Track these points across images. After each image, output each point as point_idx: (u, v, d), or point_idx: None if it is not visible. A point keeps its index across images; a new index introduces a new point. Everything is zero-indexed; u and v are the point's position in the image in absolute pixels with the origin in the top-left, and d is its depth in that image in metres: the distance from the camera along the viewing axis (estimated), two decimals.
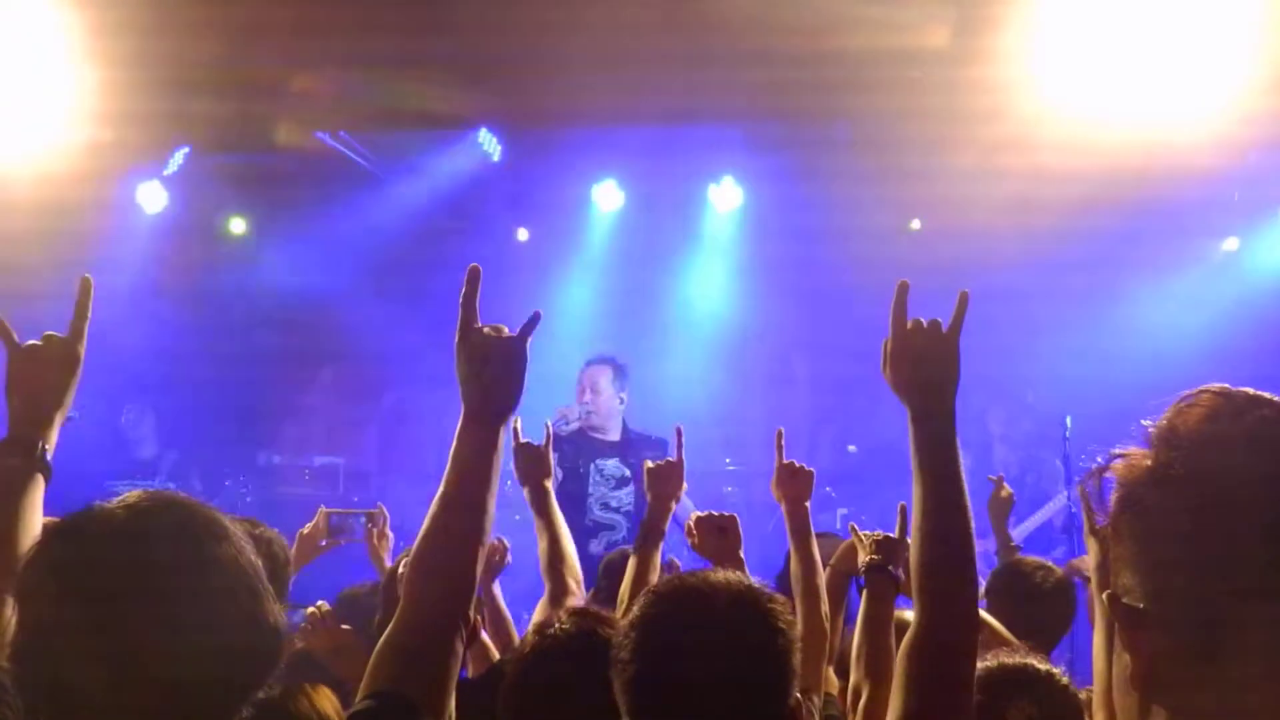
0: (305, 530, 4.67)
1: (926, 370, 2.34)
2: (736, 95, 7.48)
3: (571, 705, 2.27)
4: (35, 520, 2.20)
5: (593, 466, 7.13)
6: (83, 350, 2.37)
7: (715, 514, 3.62)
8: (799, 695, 2.02)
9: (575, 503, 7.05)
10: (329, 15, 6.49)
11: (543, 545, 3.76)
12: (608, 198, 9.05)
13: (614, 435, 7.29)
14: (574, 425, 7.08)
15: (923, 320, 2.38)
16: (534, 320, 2.18)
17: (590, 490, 7.10)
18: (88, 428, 8.03)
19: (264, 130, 7.85)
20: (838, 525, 7.69)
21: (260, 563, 1.67)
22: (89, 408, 7.98)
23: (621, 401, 7.26)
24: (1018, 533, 7.97)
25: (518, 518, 7.79)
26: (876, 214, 8.44)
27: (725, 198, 8.96)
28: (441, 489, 2.06)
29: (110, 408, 8.85)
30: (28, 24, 6.27)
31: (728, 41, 6.62)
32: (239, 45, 6.61)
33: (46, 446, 2.29)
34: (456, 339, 2.14)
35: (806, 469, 3.81)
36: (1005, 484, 5.25)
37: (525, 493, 3.96)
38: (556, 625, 2.40)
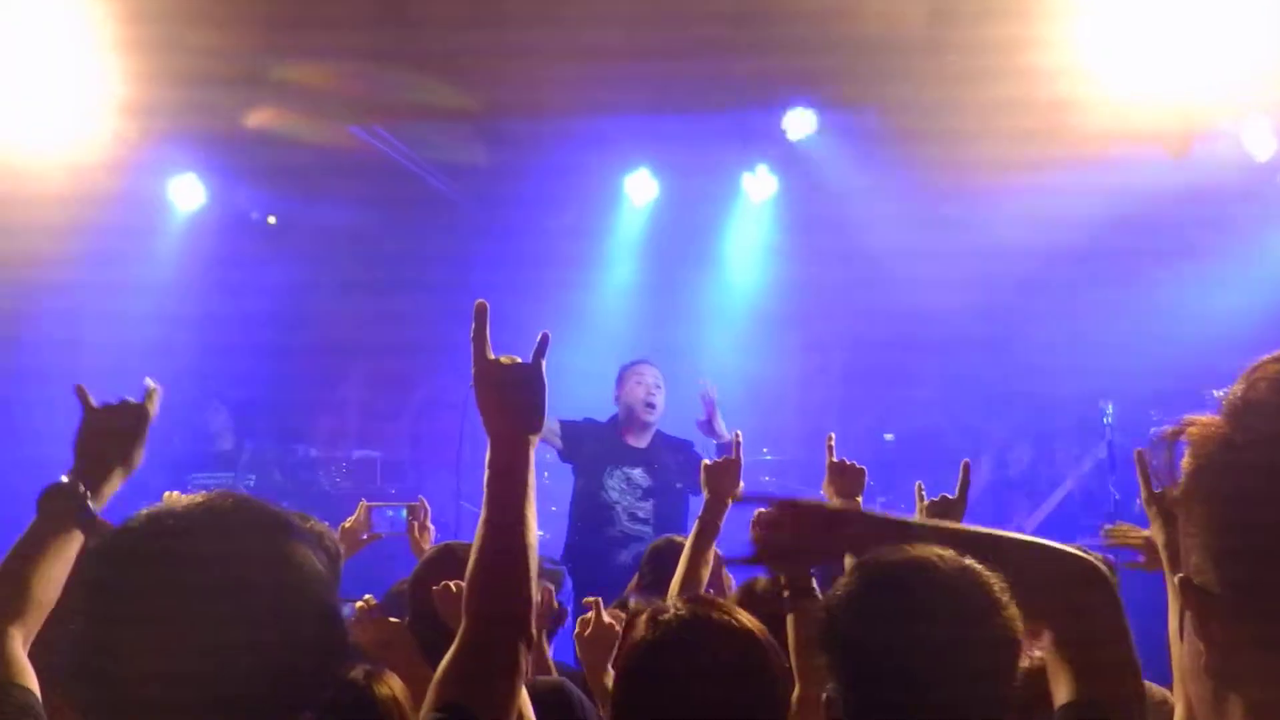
0: (347, 524, 4.69)
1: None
2: (769, 82, 7.45)
3: (692, 691, 2.22)
4: (60, 570, 2.24)
5: (620, 473, 6.94)
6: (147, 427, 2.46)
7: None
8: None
9: (601, 511, 6.92)
10: (361, 9, 6.51)
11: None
12: (641, 187, 9.02)
13: (643, 442, 7.10)
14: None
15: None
16: (544, 343, 2.22)
17: (617, 499, 6.90)
18: (167, 423, 8.18)
19: (298, 124, 7.87)
20: None
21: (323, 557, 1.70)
22: (193, 396, 8.17)
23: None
24: (1031, 521, 7.93)
25: (554, 509, 7.85)
26: (911, 203, 8.39)
27: (759, 186, 8.92)
28: (484, 514, 2.10)
29: (184, 402, 8.96)
30: (63, 17, 6.31)
31: (761, 29, 6.59)
32: (272, 39, 6.63)
33: (95, 505, 2.36)
34: (473, 373, 2.18)
35: (857, 467, 3.85)
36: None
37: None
38: (672, 611, 2.33)
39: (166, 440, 8.06)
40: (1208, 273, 8.17)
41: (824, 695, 1.95)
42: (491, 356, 2.19)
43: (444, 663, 2.02)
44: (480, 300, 2.20)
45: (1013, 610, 1.93)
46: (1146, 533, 3.23)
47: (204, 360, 9.03)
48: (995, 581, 1.95)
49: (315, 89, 7.28)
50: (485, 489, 2.12)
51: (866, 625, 1.92)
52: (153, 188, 8.73)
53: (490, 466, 2.13)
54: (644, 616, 2.39)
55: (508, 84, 7.47)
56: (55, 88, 6.75)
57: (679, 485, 6.86)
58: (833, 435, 3.93)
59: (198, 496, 1.66)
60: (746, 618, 2.33)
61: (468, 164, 8.90)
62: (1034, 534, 7.26)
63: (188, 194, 8.88)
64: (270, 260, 9.44)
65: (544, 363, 2.20)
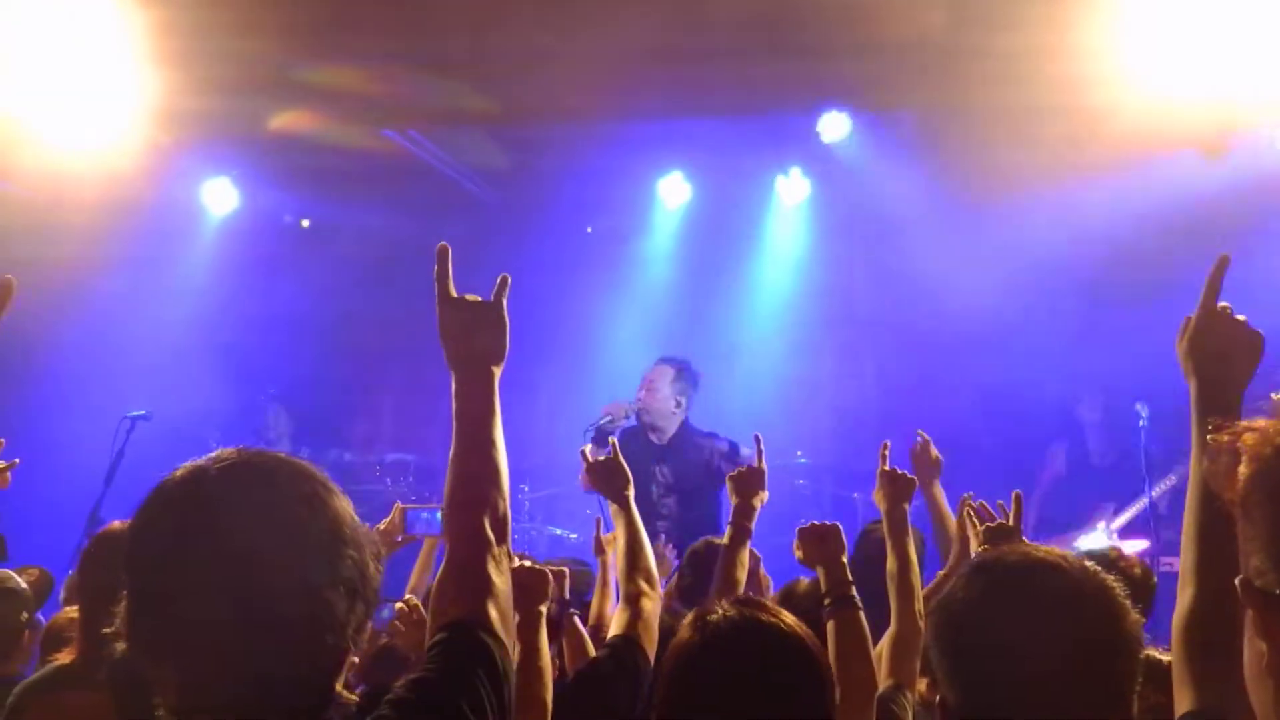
0: (382, 526, 4.69)
1: (1221, 355, 2.18)
2: (803, 86, 7.43)
3: (740, 695, 2.17)
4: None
5: (653, 472, 6.88)
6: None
7: (817, 523, 3.61)
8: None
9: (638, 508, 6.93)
10: (392, 14, 6.52)
11: (621, 547, 3.70)
12: (675, 191, 9.02)
13: (664, 439, 7.07)
14: (620, 423, 6.82)
15: (1231, 308, 2.21)
16: (503, 284, 2.36)
17: (650, 496, 6.82)
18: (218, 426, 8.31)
19: (331, 128, 7.89)
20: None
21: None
22: (228, 401, 8.20)
23: (679, 405, 7.03)
24: (1115, 524, 7.80)
25: (588, 511, 7.81)
26: (945, 207, 8.35)
27: (793, 189, 8.90)
28: (455, 444, 2.19)
29: (235, 404, 9.03)
30: (98, 25, 6.35)
31: (794, 33, 6.58)
32: (304, 44, 6.65)
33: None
34: (438, 311, 2.29)
35: (908, 476, 3.88)
36: (933, 446, 5.01)
37: (610, 507, 3.86)
38: (719, 613, 2.29)
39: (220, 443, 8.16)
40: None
41: (936, 697, 1.90)
42: (454, 294, 2.31)
43: (435, 586, 2.08)
44: (442, 244, 2.32)
45: (1136, 616, 1.87)
46: None
47: (240, 363, 9.09)
48: (1119, 586, 1.89)
49: (348, 93, 7.31)
50: (455, 413, 2.21)
51: (987, 629, 1.84)
52: (187, 193, 8.79)
53: (457, 396, 2.23)
54: (689, 618, 2.35)
55: (541, 88, 7.47)
56: (93, 97, 6.81)
57: (701, 483, 6.82)
58: (887, 443, 3.96)
59: (225, 453, 1.70)
60: (794, 620, 2.29)
61: (501, 168, 8.91)
62: (1117, 536, 6.98)
63: (221, 198, 8.93)
64: (303, 264, 9.48)
65: (504, 302, 2.33)
